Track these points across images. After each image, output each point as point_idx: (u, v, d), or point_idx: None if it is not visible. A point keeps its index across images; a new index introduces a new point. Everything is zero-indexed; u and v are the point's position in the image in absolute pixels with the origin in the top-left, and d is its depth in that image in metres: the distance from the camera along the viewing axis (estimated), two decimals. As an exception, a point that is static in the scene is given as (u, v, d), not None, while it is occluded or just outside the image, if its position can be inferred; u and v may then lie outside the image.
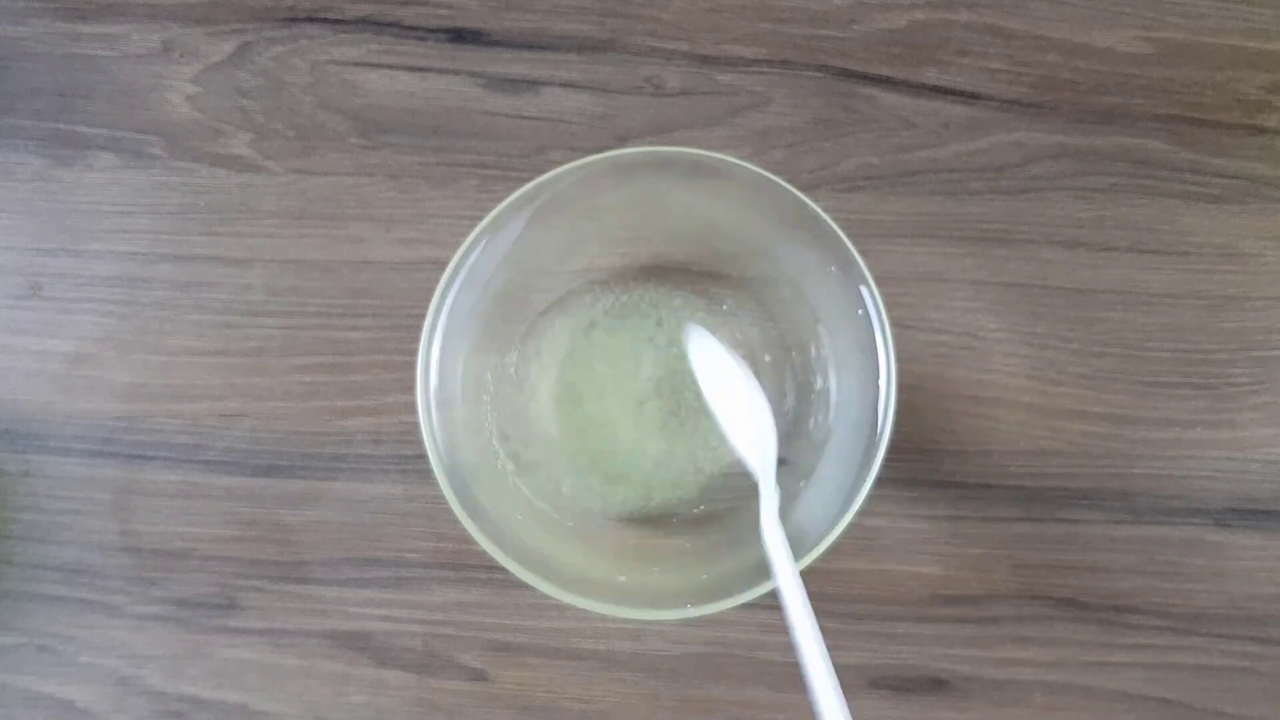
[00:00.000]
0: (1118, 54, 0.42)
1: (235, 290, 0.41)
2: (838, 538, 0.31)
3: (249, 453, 0.40)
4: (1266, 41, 0.42)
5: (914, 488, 0.39)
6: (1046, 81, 0.42)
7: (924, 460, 0.39)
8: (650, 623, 0.39)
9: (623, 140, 0.41)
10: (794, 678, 0.38)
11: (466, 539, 0.30)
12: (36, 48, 0.42)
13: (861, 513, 0.31)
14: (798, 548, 0.31)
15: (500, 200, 0.33)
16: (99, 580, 0.39)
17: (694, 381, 0.37)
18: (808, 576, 0.30)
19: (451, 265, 0.33)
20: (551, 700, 0.38)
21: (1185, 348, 0.40)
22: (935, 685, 0.38)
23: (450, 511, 0.31)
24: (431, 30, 0.42)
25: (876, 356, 0.32)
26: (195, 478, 0.39)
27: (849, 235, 0.32)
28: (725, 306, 0.39)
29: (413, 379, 0.32)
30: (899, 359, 0.32)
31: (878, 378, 0.32)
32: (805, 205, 0.33)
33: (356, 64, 0.42)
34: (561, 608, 0.31)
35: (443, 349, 0.33)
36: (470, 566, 0.39)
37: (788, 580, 0.29)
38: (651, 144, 0.41)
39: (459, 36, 0.42)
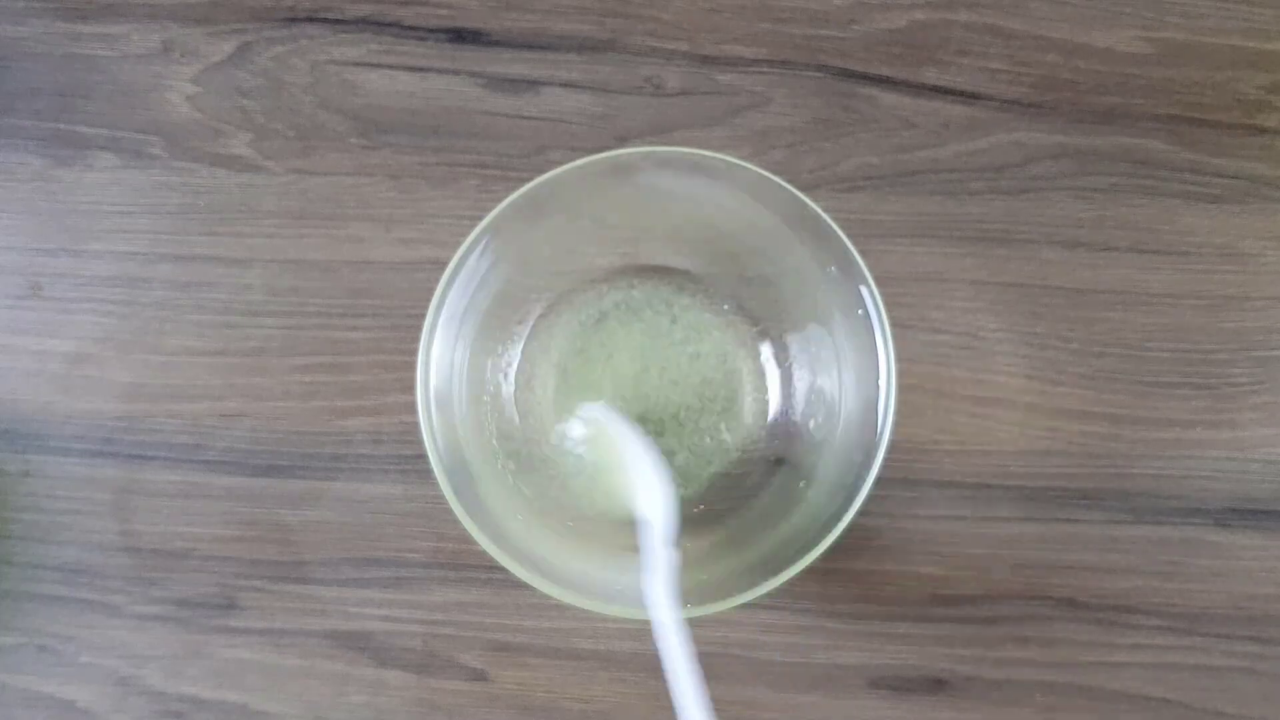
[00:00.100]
0: (1118, 54, 0.42)
1: (235, 290, 0.41)
2: (838, 538, 0.31)
3: (249, 453, 0.40)
4: (1266, 41, 0.42)
5: (914, 488, 0.39)
6: (1046, 81, 0.42)
7: (924, 460, 0.39)
8: (650, 623, 0.38)
9: (623, 140, 0.41)
10: (794, 677, 0.38)
11: (466, 539, 0.30)
12: (36, 48, 0.42)
13: (861, 513, 0.31)
14: (798, 547, 0.31)
15: (500, 200, 0.33)
16: (99, 580, 0.39)
17: (692, 381, 0.37)
18: (808, 576, 0.31)
19: (451, 265, 0.33)
20: (551, 700, 0.38)
21: (1185, 348, 0.40)
22: (935, 685, 0.38)
23: (450, 511, 0.31)
24: (431, 30, 0.42)
25: (876, 356, 0.32)
26: (195, 478, 0.39)
27: (849, 235, 0.32)
28: (726, 306, 0.39)
29: (413, 379, 0.32)
30: (899, 359, 0.32)
31: (878, 378, 0.32)
32: (805, 205, 0.33)
33: (356, 64, 0.42)
34: (561, 608, 0.31)
35: (443, 349, 0.33)
36: (470, 566, 0.39)
37: (679, 662, 0.28)
38: (651, 144, 0.41)
39: (459, 36, 0.42)
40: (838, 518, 0.31)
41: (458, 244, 0.33)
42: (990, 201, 0.41)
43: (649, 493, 0.33)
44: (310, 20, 0.42)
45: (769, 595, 0.30)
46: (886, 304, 0.32)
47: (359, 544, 0.39)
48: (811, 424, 0.37)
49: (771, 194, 0.33)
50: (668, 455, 0.38)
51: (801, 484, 0.35)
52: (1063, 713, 0.38)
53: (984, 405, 0.39)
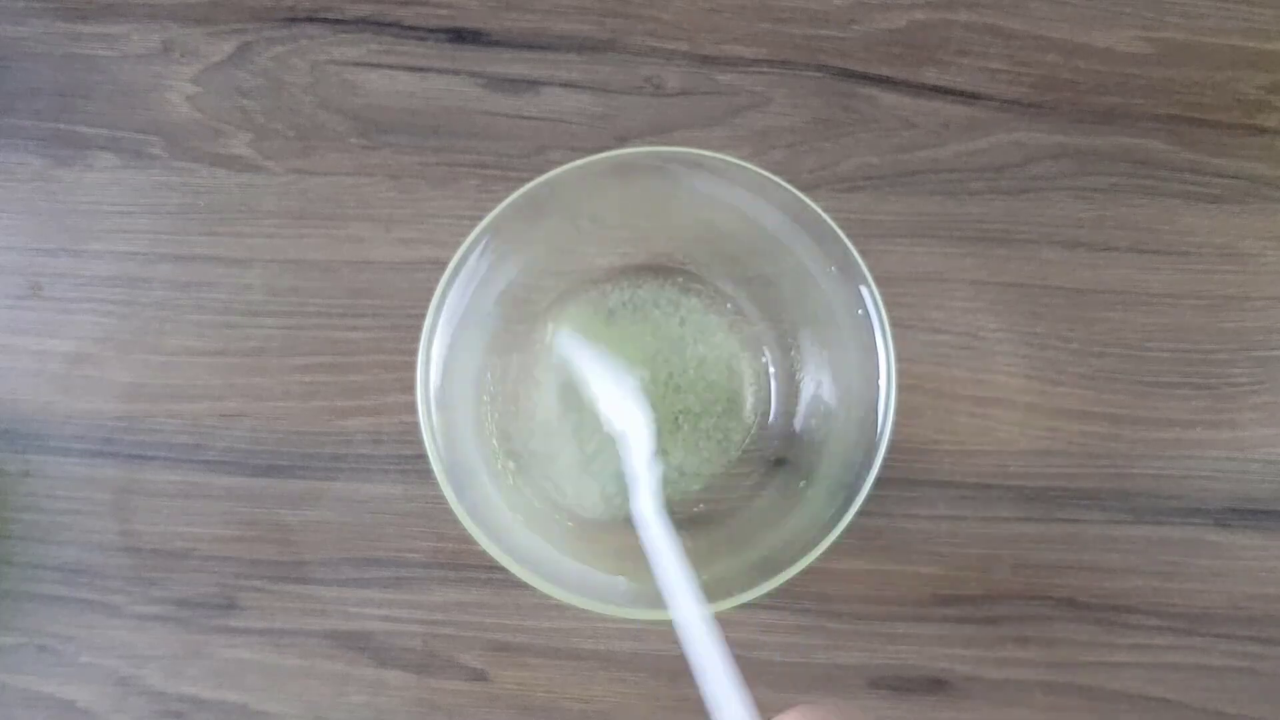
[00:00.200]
0: (1118, 54, 0.42)
1: (235, 290, 0.41)
2: (838, 538, 0.31)
3: (249, 453, 0.40)
4: (1266, 41, 0.42)
5: (914, 488, 0.39)
6: (1046, 81, 0.42)
7: (924, 460, 0.39)
8: (650, 623, 0.38)
9: (623, 140, 0.41)
10: (794, 677, 0.38)
11: (466, 539, 0.30)
12: (36, 48, 0.42)
13: (861, 513, 0.31)
14: (798, 548, 0.31)
15: (500, 200, 0.33)
16: (99, 580, 0.39)
17: (694, 382, 0.37)
18: (808, 576, 0.31)
19: (451, 265, 0.33)
20: (551, 700, 0.38)
21: (1185, 348, 0.40)
22: (935, 685, 0.38)
23: (450, 511, 0.31)
24: (431, 30, 0.42)
25: (876, 356, 0.32)
26: (195, 478, 0.39)
27: (849, 235, 0.32)
28: (729, 306, 0.39)
29: (413, 379, 0.32)
30: (899, 359, 0.32)
31: (878, 378, 0.32)
32: (805, 205, 0.33)
33: (356, 64, 0.42)
34: (561, 608, 0.31)
35: (442, 349, 0.33)
36: (470, 566, 0.39)
37: (674, 572, 0.29)
38: (651, 144, 0.41)
39: (459, 36, 0.42)
40: (838, 518, 0.31)
41: (458, 244, 0.33)
42: (990, 201, 0.41)
43: (622, 412, 0.35)
44: (310, 20, 0.42)
45: (769, 595, 0.30)
46: (886, 304, 0.32)
47: (359, 544, 0.39)
48: (812, 424, 0.37)
49: (772, 194, 0.33)
50: (668, 456, 0.38)
51: (801, 484, 0.35)
52: (1063, 713, 0.38)
53: (984, 405, 0.39)
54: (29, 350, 0.40)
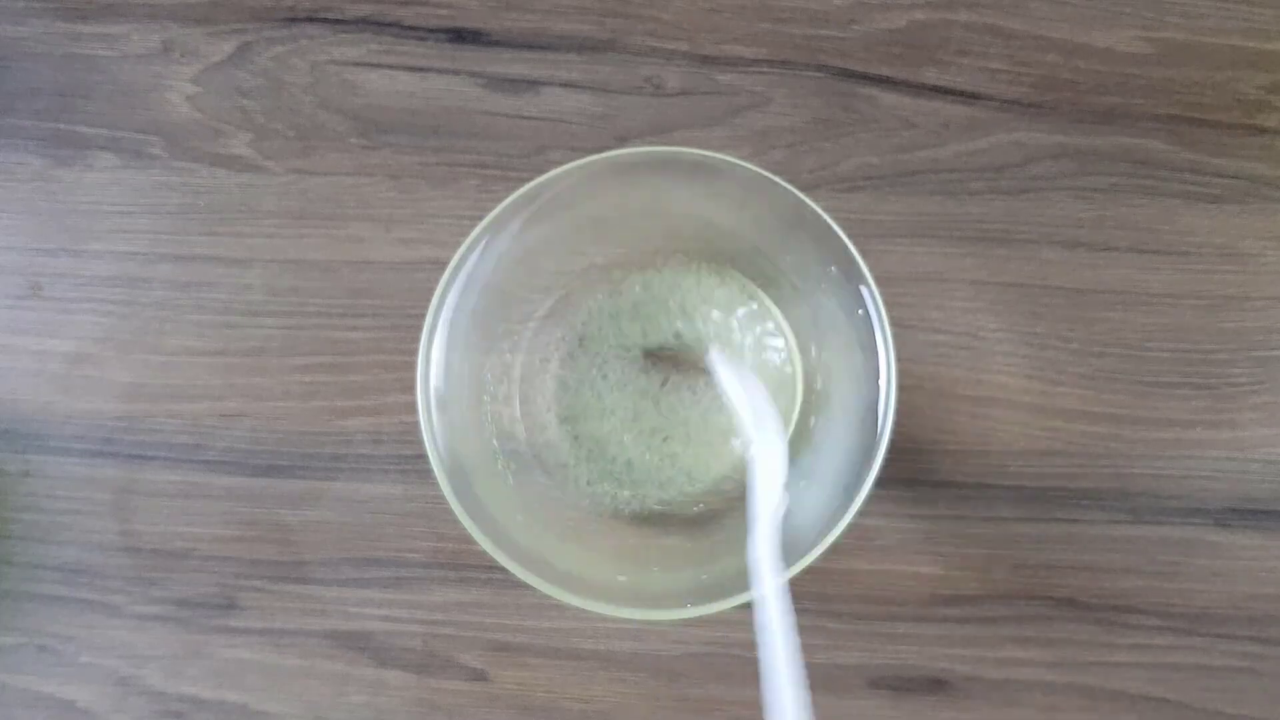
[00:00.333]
0: (1118, 54, 0.42)
1: (235, 290, 0.41)
2: (838, 538, 0.30)
3: (249, 453, 0.40)
4: (1266, 41, 0.42)
5: (914, 488, 0.39)
6: (1046, 81, 0.42)
7: (924, 460, 0.39)
8: (650, 623, 0.39)
9: (623, 140, 0.41)
10: (794, 678, 0.38)
11: (466, 539, 0.30)
12: (36, 48, 0.42)
13: (861, 513, 0.31)
14: (798, 547, 0.31)
15: (500, 200, 0.33)
16: (99, 580, 0.39)
17: (694, 382, 0.37)
18: (808, 576, 0.30)
19: (451, 265, 0.33)
20: (551, 700, 0.38)
21: (1185, 348, 0.40)
22: (935, 685, 0.38)
23: (450, 511, 0.31)
24: (431, 30, 0.42)
25: (876, 356, 0.32)
26: (195, 478, 0.39)
27: (849, 235, 0.32)
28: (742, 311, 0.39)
29: (413, 379, 0.32)
30: (899, 359, 0.32)
31: (878, 378, 0.32)
32: (805, 205, 0.33)
33: (356, 64, 0.42)
34: (561, 608, 0.31)
35: (442, 349, 0.33)
36: (470, 566, 0.39)
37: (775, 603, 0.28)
38: (651, 144, 0.41)
39: (459, 36, 0.42)
40: (838, 518, 0.31)
41: (458, 244, 0.32)
42: (990, 201, 0.41)
43: (760, 439, 0.33)
44: (310, 20, 0.42)
45: (769, 595, 0.30)
46: (886, 304, 0.32)
47: (359, 544, 0.39)
48: (811, 424, 0.37)
49: (771, 194, 0.33)
50: (668, 456, 0.38)
51: (802, 484, 0.35)
52: (1063, 713, 0.38)
53: (984, 405, 0.39)
54: (29, 350, 0.40)
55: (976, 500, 0.39)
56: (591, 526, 0.37)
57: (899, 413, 0.31)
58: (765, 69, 0.42)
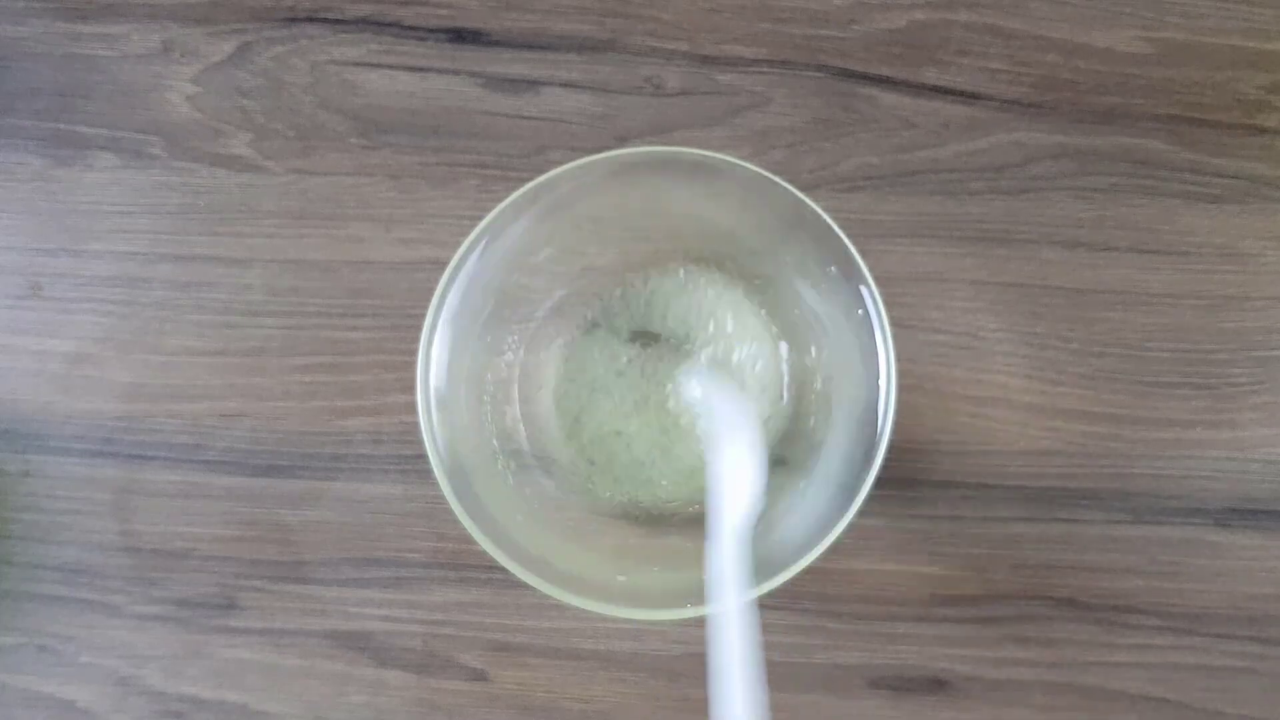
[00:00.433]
0: (1118, 54, 0.42)
1: (235, 290, 0.41)
2: (838, 538, 0.31)
3: (249, 453, 0.40)
4: (1266, 41, 0.42)
5: (914, 488, 0.39)
6: (1046, 81, 0.42)
7: (924, 460, 0.39)
8: (650, 623, 0.39)
9: (623, 140, 0.41)
10: (794, 677, 0.38)
11: (466, 539, 0.30)
12: (36, 48, 0.42)
13: (861, 513, 0.31)
14: (798, 547, 0.31)
15: (500, 200, 0.33)
16: (99, 580, 0.39)
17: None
18: (808, 576, 0.30)
19: (451, 265, 0.33)
20: (551, 700, 0.38)
21: (1185, 348, 0.40)
22: (935, 685, 0.38)
23: (450, 511, 0.31)
24: (431, 30, 0.42)
25: (876, 356, 0.32)
26: (195, 478, 0.39)
27: (849, 235, 0.32)
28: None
29: (413, 379, 0.32)
30: (899, 359, 0.32)
31: (878, 378, 0.32)
32: (805, 205, 0.33)
33: (356, 64, 0.42)
34: (561, 608, 0.31)
35: (442, 349, 0.33)
36: (470, 566, 0.39)
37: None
38: (651, 144, 0.41)
39: (459, 36, 0.42)
40: (838, 518, 0.31)
41: (458, 244, 0.32)
42: (990, 201, 0.41)
43: (733, 463, 0.32)
44: (310, 20, 0.42)
45: (769, 595, 0.30)
46: (886, 304, 0.32)
47: (359, 544, 0.39)
48: (811, 424, 0.37)
49: (771, 194, 0.33)
50: (668, 456, 0.38)
51: (802, 484, 0.35)
52: (1063, 713, 0.38)
53: (984, 405, 0.39)
54: (29, 350, 0.40)
55: (976, 500, 0.39)
56: (591, 526, 0.37)
57: (899, 413, 0.31)
58: (765, 69, 0.42)
